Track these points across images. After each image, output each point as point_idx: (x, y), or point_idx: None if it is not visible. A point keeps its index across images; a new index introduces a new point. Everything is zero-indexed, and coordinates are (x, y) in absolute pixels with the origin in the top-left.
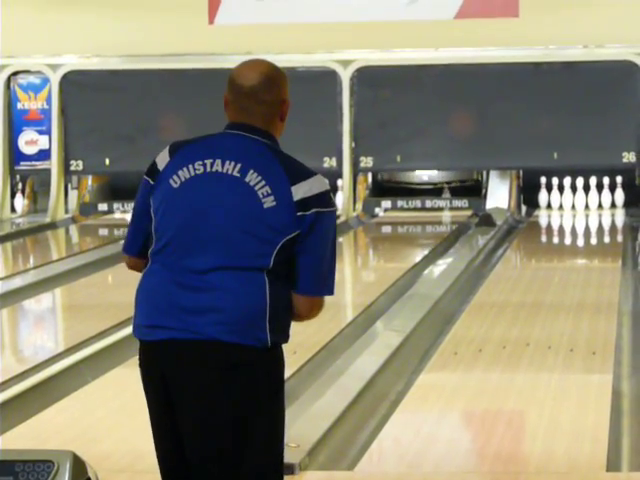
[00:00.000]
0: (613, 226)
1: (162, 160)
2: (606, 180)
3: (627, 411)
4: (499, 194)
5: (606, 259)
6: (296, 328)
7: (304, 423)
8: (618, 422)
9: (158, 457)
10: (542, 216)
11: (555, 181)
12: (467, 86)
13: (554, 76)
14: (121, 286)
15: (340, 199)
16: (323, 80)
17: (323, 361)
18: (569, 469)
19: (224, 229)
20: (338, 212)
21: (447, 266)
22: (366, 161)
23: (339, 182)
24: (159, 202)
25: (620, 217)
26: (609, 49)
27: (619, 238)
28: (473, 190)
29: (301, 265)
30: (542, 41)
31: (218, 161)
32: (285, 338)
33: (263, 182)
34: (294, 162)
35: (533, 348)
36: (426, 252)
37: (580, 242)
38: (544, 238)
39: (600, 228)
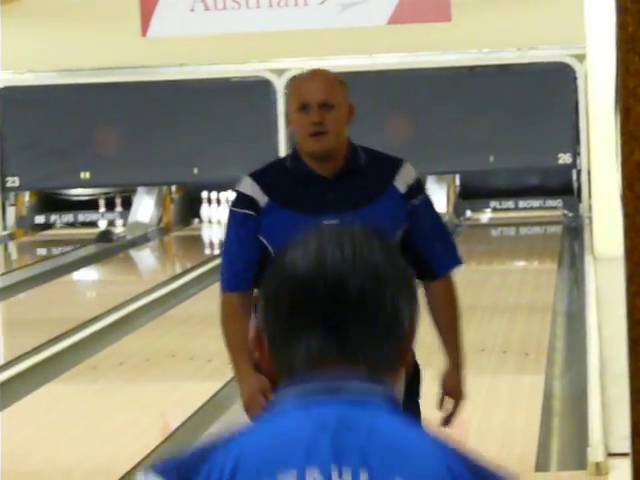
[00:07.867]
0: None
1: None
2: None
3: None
4: (437, 198)
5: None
6: None
7: None
8: (548, 422)
9: None
10: (483, 219)
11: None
12: (402, 91)
13: (489, 79)
14: (55, 302)
15: None
16: (257, 89)
17: None
18: None
19: None
20: None
21: None
22: None
23: None
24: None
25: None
26: (543, 51)
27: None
28: None
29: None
30: (476, 44)
31: None
32: None
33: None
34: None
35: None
36: None
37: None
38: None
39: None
